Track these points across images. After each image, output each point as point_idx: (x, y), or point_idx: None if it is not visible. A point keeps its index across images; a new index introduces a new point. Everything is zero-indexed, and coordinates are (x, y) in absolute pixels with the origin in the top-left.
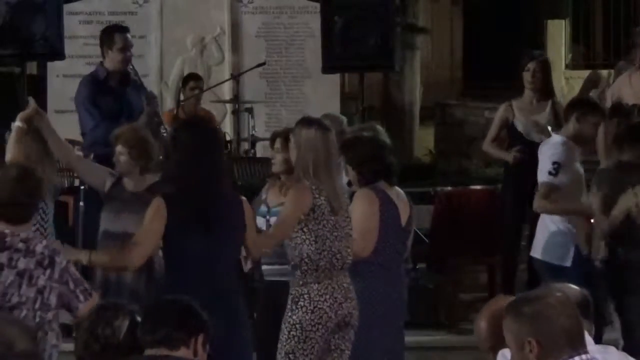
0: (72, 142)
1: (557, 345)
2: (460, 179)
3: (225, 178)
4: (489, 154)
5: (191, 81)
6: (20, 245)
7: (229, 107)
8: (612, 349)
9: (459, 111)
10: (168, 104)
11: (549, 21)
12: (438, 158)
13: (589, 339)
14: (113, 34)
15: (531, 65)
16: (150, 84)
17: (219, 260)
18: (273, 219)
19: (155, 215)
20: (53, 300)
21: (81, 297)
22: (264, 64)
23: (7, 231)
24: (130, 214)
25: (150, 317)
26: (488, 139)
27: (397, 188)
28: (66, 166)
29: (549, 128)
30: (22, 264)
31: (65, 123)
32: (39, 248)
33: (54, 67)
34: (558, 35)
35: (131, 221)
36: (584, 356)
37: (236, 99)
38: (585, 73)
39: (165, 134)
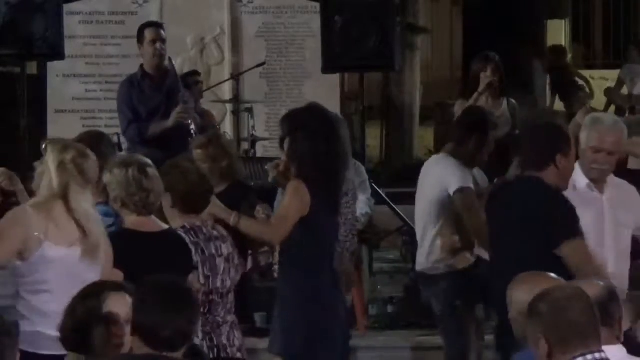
0: None
1: (566, 342)
2: None
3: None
4: None
5: (189, 78)
6: (215, 233)
7: (228, 107)
8: None
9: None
10: None
11: (549, 21)
12: None
13: (619, 348)
14: (143, 30)
15: (488, 66)
16: None
17: (337, 241)
18: None
19: (296, 195)
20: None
21: None
22: (264, 64)
23: (197, 223)
24: None
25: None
26: None
27: None
28: None
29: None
30: (225, 249)
31: (65, 123)
32: (222, 231)
33: (54, 67)
34: (558, 35)
35: None
36: (597, 355)
37: (236, 99)
38: (585, 73)
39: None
